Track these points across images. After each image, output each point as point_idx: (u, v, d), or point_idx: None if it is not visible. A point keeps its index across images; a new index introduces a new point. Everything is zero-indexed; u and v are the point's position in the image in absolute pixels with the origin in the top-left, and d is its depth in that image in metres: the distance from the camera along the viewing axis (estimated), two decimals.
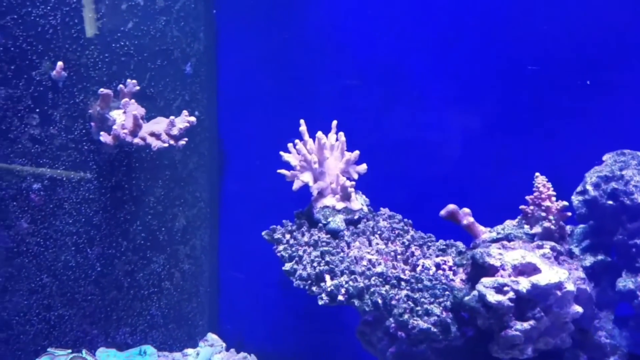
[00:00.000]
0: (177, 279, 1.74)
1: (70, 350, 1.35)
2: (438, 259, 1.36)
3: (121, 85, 1.40)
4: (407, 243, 1.45)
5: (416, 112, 1.72)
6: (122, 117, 1.37)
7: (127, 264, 1.58)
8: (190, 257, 1.78)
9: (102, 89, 1.36)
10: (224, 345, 1.69)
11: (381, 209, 1.60)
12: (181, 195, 1.69)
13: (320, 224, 1.51)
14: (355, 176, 1.57)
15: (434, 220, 1.43)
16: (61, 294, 1.48)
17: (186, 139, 1.36)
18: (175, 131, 1.31)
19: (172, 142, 1.30)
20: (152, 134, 1.30)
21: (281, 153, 1.59)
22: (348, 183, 1.54)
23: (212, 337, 1.71)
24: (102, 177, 1.46)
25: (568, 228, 1.37)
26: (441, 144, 1.72)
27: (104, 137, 1.35)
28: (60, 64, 1.30)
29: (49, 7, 1.30)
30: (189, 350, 1.66)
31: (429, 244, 1.48)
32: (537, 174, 1.24)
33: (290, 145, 1.58)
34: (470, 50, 1.63)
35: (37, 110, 1.33)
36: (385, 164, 1.75)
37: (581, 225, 1.36)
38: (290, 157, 1.58)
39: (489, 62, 1.62)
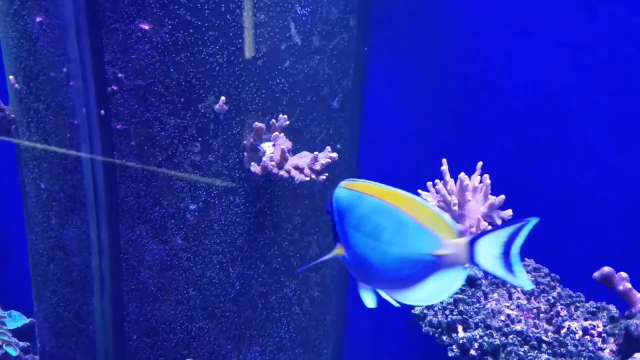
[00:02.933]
0: (306, 305, 1.79)
1: None
2: (586, 323, 1.27)
3: (273, 120, 1.48)
4: (552, 301, 1.37)
5: (574, 159, 1.62)
6: (271, 149, 1.45)
7: (262, 285, 1.66)
8: (320, 285, 1.82)
9: (256, 123, 1.46)
10: None
11: (526, 259, 1.53)
12: (317, 224, 1.74)
13: None
14: (499, 222, 1.52)
15: (583, 278, 1.33)
16: (203, 308, 1.60)
17: (327, 173, 1.40)
18: (317, 166, 1.36)
19: (313, 176, 1.36)
20: (296, 167, 1.36)
21: (420, 191, 1.58)
22: (489, 228, 1.49)
23: None
24: (249, 202, 1.56)
25: None
26: (603, 196, 1.59)
27: (254, 168, 1.44)
28: (223, 98, 1.41)
29: (217, 47, 1.42)
30: None
31: (578, 304, 1.38)
32: None
33: (429, 183, 1.57)
34: None
35: (200, 139, 1.46)
36: (534, 212, 1.66)
37: None
38: (429, 196, 1.57)
39: None
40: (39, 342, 1.80)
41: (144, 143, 1.44)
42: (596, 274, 1.23)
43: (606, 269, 1.22)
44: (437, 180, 1.54)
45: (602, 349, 1.21)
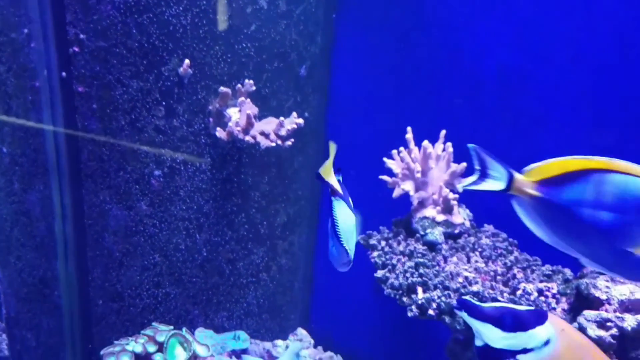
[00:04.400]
0: (273, 271, 1.80)
1: (172, 327, 1.45)
2: (541, 285, 1.30)
3: (239, 85, 1.47)
4: (509, 264, 1.40)
5: (535, 132, 1.65)
6: (237, 115, 1.45)
7: (230, 252, 1.67)
8: (288, 253, 1.84)
9: (222, 88, 1.45)
10: (312, 342, 1.74)
11: (485, 225, 1.56)
12: (284, 193, 1.75)
13: (417, 235, 1.50)
14: (460, 189, 1.54)
15: (542, 243, 1.36)
16: (170, 274, 1.60)
17: (293, 139, 1.41)
18: (283, 132, 1.36)
19: (279, 142, 1.36)
20: (262, 133, 1.37)
21: (384, 159, 1.59)
22: (451, 195, 1.51)
23: (301, 332, 1.77)
24: (215, 169, 1.56)
25: None
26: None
27: (219, 133, 1.44)
28: (187, 61, 1.40)
29: (181, 8, 1.40)
30: (279, 342, 1.72)
31: (534, 267, 1.42)
32: None
33: (394, 152, 1.58)
34: (605, 66, 1.52)
35: (164, 103, 1.45)
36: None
37: None
38: (393, 164, 1.59)
39: (625, 80, 1.51)
40: (4, 308, 1.80)
41: (106, 106, 1.43)
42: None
43: None
44: (401, 148, 1.55)
45: (554, 309, 1.25)
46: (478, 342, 0.91)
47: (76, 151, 1.47)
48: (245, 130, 1.38)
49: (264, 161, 1.64)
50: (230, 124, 1.42)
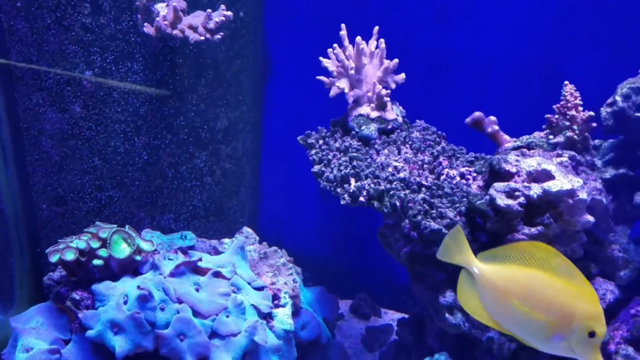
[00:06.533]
0: (218, 176, 1.85)
1: (115, 226, 1.50)
2: (463, 169, 1.37)
3: None
4: (436, 154, 1.47)
5: (464, 24, 1.67)
6: (165, 10, 1.43)
7: (171, 156, 1.70)
8: (232, 158, 1.88)
9: None
10: (257, 238, 1.80)
11: (417, 120, 1.61)
12: (223, 97, 1.77)
13: (353, 132, 1.55)
14: (393, 85, 1.58)
15: (471, 135, 1.42)
16: (111, 177, 1.63)
17: (222, 33, 1.41)
18: (212, 24, 1.36)
19: (208, 35, 1.36)
20: (190, 27, 1.36)
21: (320, 59, 1.61)
22: (384, 92, 1.55)
23: (247, 230, 1.82)
24: (148, 70, 1.56)
25: (597, 142, 1.33)
26: (487, 58, 1.67)
27: (147, 29, 1.43)
28: None
29: None
30: (226, 240, 1.78)
31: (459, 155, 1.49)
32: (565, 82, 1.20)
33: (329, 50, 1.60)
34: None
35: None
36: (426, 76, 1.73)
37: (610, 140, 1.31)
38: (329, 63, 1.60)
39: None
40: None
41: (31, 4, 1.40)
42: (468, 119, 1.32)
43: (477, 114, 1.31)
44: (335, 45, 1.57)
45: (470, 186, 1.32)
46: None
47: (5, 52, 1.45)
48: (173, 24, 1.37)
49: (199, 63, 1.64)
50: (157, 18, 1.41)
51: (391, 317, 2.00)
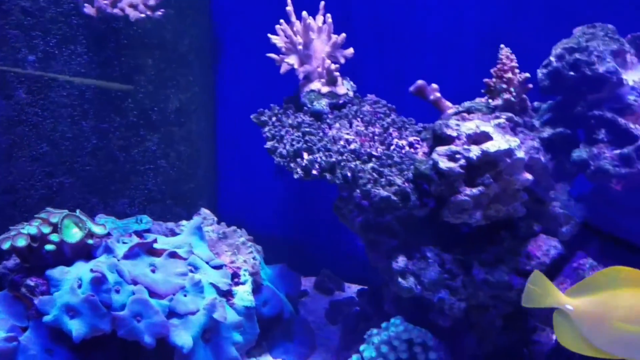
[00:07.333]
0: (172, 158, 1.84)
1: (66, 211, 1.48)
2: (412, 139, 1.40)
3: None
4: (386, 126, 1.49)
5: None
6: None
7: (121, 139, 1.68)
8: (186, 140, 1.87)
9: None
10: (215, 219, 1.81)
11: (368, 95, 1.63)
12: (173, 77, 1.75)
13: (305, 108, 1.56)
14: (342, 60, 1.59)
15: (422, 107, 1.45)
16: (61, 163, 1.61)
17: (163, 10, 1.40)
18: (152, 1, 1.35)
19: (149, 12, 1.35)
20: (131, 5, 1.35)
21: (269, 35, 1.61)
22: (333, 66, 1.56)
23: (205, 211, 1.83)
24: (92, 52, 1.53)
25: (537, 104, 1.38)
26: (437, 32, 1.70)
27: (88, 9, 1.41)
28: None
29: None
30: (184, 222, 1.78)
31: (408, 126, 1.52)
32: (502, 45, 1.24)
33: (277, 26, 1.60)
34: None
35: None
36: (377, 50, 1.75)
37: (549, 102, 1.36)
38: (277, 39, 1.61)
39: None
40: None
41: None
42: (411, 88, 1.35)
43: (419, 82, 1.34)
44: (281, 21, 1.57)
45: (417, 153, 1.35)
46: None
47: None
48: (114, 3, 1.35)
49: (145, 43, 1.62)
50: None
51: (354, 290, 2.03)
